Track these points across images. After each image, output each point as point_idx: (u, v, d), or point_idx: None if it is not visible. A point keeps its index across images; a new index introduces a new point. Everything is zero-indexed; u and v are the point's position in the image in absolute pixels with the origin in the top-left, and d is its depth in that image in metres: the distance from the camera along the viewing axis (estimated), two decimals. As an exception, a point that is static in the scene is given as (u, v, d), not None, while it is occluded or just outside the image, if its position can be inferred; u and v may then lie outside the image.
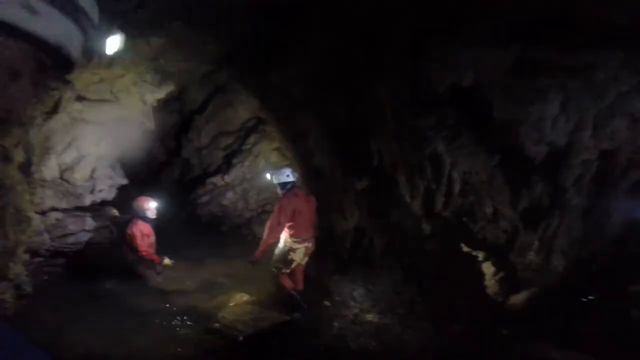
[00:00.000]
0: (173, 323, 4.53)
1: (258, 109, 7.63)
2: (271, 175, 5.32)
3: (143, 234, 5.54)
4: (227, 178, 7.68)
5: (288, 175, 4.82)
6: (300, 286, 4.95)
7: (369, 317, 4.67)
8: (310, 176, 6.39)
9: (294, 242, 4.72)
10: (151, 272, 5.62)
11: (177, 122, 8.98)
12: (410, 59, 4.22)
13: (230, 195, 7.68)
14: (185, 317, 4.64)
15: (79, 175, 5.68)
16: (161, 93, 6.31)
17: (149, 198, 5.83)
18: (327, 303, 5.00)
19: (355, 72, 4.91)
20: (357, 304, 4.97)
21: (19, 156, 4.02)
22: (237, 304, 4.97)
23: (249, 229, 7.51)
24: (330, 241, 6.00)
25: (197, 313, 4.73)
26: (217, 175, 7.86)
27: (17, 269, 4.08)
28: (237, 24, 5.13)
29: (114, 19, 3.98)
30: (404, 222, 5.28)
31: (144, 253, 5.47)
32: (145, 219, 5.71)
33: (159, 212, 5.96)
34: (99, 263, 5.75)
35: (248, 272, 5.54)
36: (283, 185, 4.82)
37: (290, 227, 4.66)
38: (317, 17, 4.61)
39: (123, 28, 4.09)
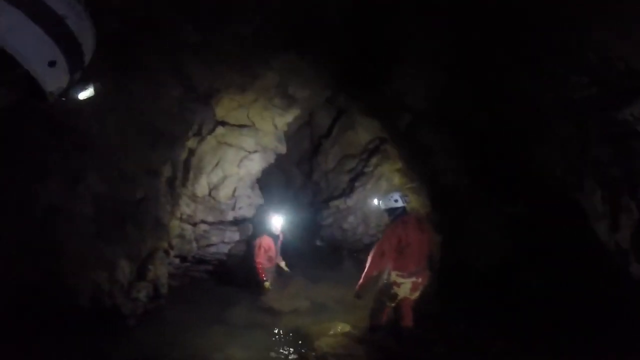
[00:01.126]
0: (273, 340, 4.56)
1: (378, 129, 7.39)
2: (379, 201, 4.86)
3: (263, 247, 5.74)
4: (349, 201, 7.59)
5: (397, 201, 4.25)
6: (408, 322, 4.28)
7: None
8: (439, 199, 5.74)
9: (397, 276, 4.11)
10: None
11: (309, 147, 9.36)
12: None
13: (351, 219, 7.55)
14: (285, 337, 4.62)
15: (223, 194, 6.22)
16: (289, 117, 6.60)
17: (276, 215, 6.06)
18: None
19: (491, 66, 3.94)
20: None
21: (166, 172, 4.50)
22: (336, 334, 4.64)
23: (367, 254, 7.16)
24: (462, 277, 5.19)
25: (297, 335, 4.64)
26: (340, 198, 7.83)
27: (158, 271, 4.48)
28: (343, 46, 4.98)
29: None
30: (587, 259, 3.83)
31: (258, 265, 5.67)
32: (271, 233, 5.93)
33: (284, 229, 6.13)
34: (233, 272, 6.16)
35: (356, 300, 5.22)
36: (391, 211, 4.29)
37: (394, 259, 4.09)
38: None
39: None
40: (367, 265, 4.21)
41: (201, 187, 6.02)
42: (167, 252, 5.21)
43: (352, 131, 7.96)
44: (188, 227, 5.81)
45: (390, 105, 5.64)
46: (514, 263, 4.85)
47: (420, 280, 4.13)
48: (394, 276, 4.12)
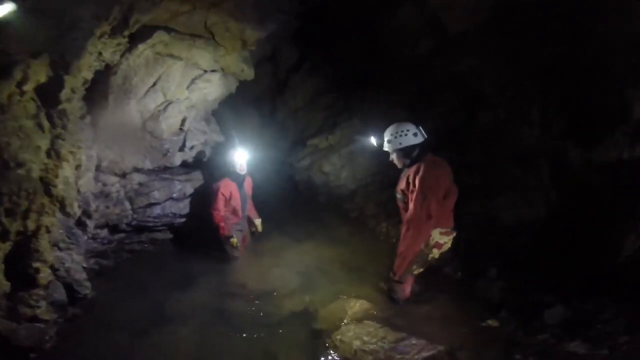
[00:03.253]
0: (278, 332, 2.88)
1: (362, 61, 5.62)
2: (381, 139, 3.05)
3: (222, 194, 3.95)
4: (332, 138, 5.78)
5: (416, 134, 2.78)
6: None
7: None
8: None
9: (441, 234, 2.86)
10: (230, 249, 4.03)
11: (271, 84, 7.27)
12: None
13: (334, 159, 5.76)
14: (287, 328, 3.00)
15: (166, 126, 4.10)
16: (263, 32, 4.47)
17: (239, 150, 4.15)
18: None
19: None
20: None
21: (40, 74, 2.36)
22: (356, 318, 3.04)
23: (354, 203, 5.55)
24: (489, 236, 3.88)
25: (300, 332, 3.02)
26: (319, 135, 5.99)
27: (64, 264, 2.50)
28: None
29: None
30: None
31: (215, 214, 3.89)
32: (232, 175, 4.03)
33: (251, 172, 4.29)
34: (190, 238, 4.27)
35: (357, 261, 3.96)
36: (409, 151, 2.80)
37: (438, 214, 2.75)
38: None
39: None
40: (411, 238, 2.78)
41: (128, 116, 3.83)
42: (81, 224, 3.15)
43: (330, 64, 6.04)
44: (112, 179, 3.71)
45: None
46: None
47: (456, 234, 3.00)
48: (436, 235, 2.85)
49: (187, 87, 4.36)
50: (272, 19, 4.28)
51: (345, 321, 2.98)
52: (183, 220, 4.35)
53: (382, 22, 4.41)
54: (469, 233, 4.13)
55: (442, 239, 2.89)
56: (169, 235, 4.31)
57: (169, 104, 4.27)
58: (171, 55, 3.89)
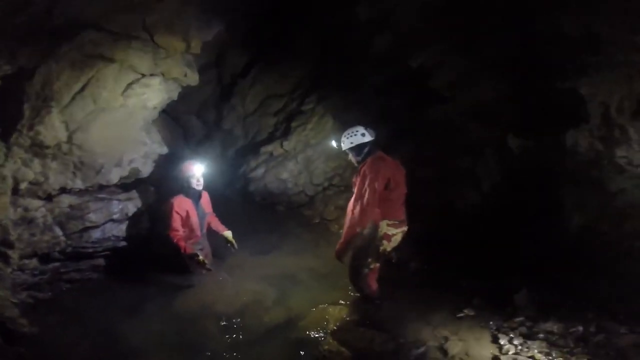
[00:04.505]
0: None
1: (316, 63, 5.48)
2: (338, 141, 3.44)
3: (177, 212, 3.50)
4: (287, 144, 5.49)
5: (364, 134, 3.13)
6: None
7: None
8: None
9: (389, 226, 3.04)
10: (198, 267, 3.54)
11: (215, 92, 6.81)
12: None
13: (290, 165, 5.48)
14: (271, 343, 2.70)
15: (96, 139, 3.55)
16: (209, 33, 4.10)
17: (195, 162, 3.72)
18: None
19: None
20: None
21: None
22: (339, 324, 2.92)
23: (314, 209, 5.34)
24: (447, 226, 3.89)
25: (286, 336, 2.81)
26: (273, 142, 5.67)
27: None
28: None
29: None
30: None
31: (173, 234, 3.43)
32: (188, 191, 3.59)
33: (206, 183, 3.87)
34: (137, 263, 3.72)
35: (326, 267, 3.75)
36: (360, 149, 3.14)
37: (384, 205, 3.00)
38: None
39: None
40: (353, 218, 3.01)
41: (50, 129, 3.22)
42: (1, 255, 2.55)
43: (281, 67, 5.80)
44: (36, 203, 3.09)
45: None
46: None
47: (407, 229, 3.19)
48: (384, 227, 3.03)
49: (122, 93, 3.81)
50: (220, 20, 3.93)
51: (329, 329, 2.83)
52: (129, 242, 3.76)
53: (338, 21, 4.27)
54: (429, 224, 4.14)
55: (390, 230, 3.04)
56: (115, 261, 3.70)
57: (101, 112, 3.70)
58: (102, 57, 3.36)
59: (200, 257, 3.42)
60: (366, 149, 3.13)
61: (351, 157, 3.24)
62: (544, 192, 4.07)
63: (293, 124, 5.56)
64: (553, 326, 2.67)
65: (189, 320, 2.97)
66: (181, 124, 6.75)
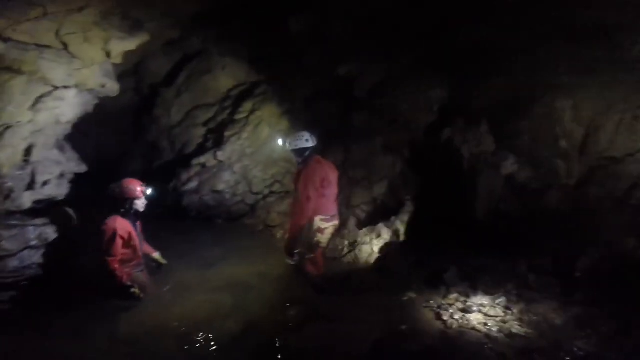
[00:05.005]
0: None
1: (247, 72, 5.47)
2: (285, 142, 4.06)
3: (122, 235, 3.16)
4: (222, 155, 5.30)
5: (307, 140, 3.56)
6: (321, 270, 3.66)
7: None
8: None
9: (322, 221, 3.46)
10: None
11: (135, 102, 6.34)
12: None
13: (227, 176, 5.31)
14: (239, 349, 2.63)
15: (4, 158, 3.12)
16: (133, 44, 3.85)
17: (139, 181, 3.43)
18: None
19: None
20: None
21: None
22: (300, 322, 2.97)
23: (256, 218, 5.27)
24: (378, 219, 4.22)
25: (251, 341, 2.77)
26: (205, 153, 5.43)
27: None
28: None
29: None
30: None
31: (110, 264, 3.06)
32: (129, 213, 3.32)
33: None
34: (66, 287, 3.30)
35: (277, 271, 3.84)
36: (301, 152, 3.56)
37: (318, 202, 3.41)
38: None
39: None
40: (297, 213, 3.43)
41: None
42: None
43: (210, 76, 5.59)
44: None
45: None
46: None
47: (338, 223, 3.66)
48: (317, 222, 3.45)
49: (31, 107, 3.36)
50: (145, 28, 3.70)
51: (292, 328, 2.87)
52: (53, 269, 3.30)
53: (270, 31, 4.31)
54: (364, 219, 4.44)
55: (322, 224, 3.46)
56: (41, 289, 3.20)
57: (6, 128, 3.22)
58: (9, 69, 2.93)
59: (136, 291, 3.14)
60: (307, 153, 3.52)
61: (295, 158, 3.69)
62: (456, 181, 4.67)
63: (227, 134, 5.41)
64: (482, 299, 3.11)
65: (144, 340, 2.73)
66: (92, 138, 6.13)
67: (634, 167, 4.27)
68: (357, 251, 4.17)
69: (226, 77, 5.60)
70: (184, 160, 5.76)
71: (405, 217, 4.18)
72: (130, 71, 5.48)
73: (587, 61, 3.90)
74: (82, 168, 4.33)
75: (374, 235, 4.10)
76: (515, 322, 2.78)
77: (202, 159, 5.39)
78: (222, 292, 3.44)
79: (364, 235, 4.20)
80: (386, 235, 4.16)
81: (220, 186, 5.29)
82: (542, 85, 4.31)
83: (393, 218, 4.17)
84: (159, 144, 6.18)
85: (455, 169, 4.46)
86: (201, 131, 5.89)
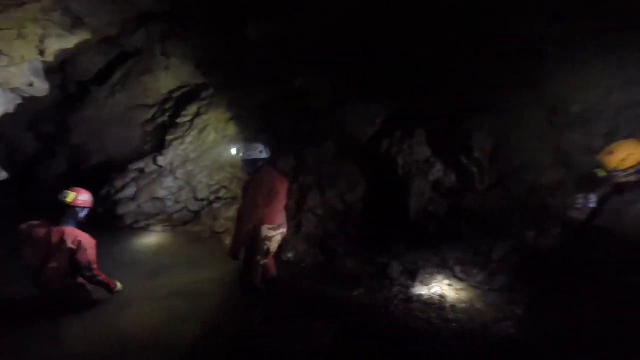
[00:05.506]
0: None
1: (192, 74, 5.31)
2: (239, 151, 3.89)
3: (89, 245, 3.12)
4: (163, 160, 5.04)
5: (261, 152, 3.61)
6: (274, 271, 3.71)
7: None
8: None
9: (269, 229, 3.48)
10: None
11: (58, 101, 5.73)
12: None
13: (168, 182, 5.08)
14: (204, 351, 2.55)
15: None
16: (71, 42, 3.57)
17: (83, 190, 3.22)
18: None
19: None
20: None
21: None
22: (263, 321, 3.08)
23: (202, 224, 5.14)
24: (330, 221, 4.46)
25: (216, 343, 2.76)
26: (144, 158, 5.12)
27: None
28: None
29: None
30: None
31: (95, 270, 3.14)
32: (77, 220, 3.18)
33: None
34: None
35: (228, 276, 3.83)
36: (253, 163, 3.58)
37: (266, 211, 3.43)
38: None
39: None
40: (239, 220, 3.40)
41: None
42: None
43: (151, 76, 5.29)
44: None
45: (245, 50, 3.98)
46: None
47: (285, 231, 3.66)
48: (265, 230, 3.43)
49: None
50: (86, 25, 3.42)
51: (252, 330, 2.94)
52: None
53: (223, 35, 4.23)
54: (317, 222, 4.65)
55: (270, 233, 3.44)
56: None
57: None
58: None
59: (120, 285, 3.34)
60: (259, 164, 3.55)
61: (246, 168, 3.63)
62: (394, 186, 5.13)
63: (168, 137, 5.19)
64: (421, 290, 3.51)
65: (104, 353, 2.56)
66: (5, 140, 5.42)
67: (532, 174, 5.14)
68: (310, 251, 4.35)
69: (168, 78, 5.38)
70: (117, 165, 5.37)
71: (353, 218, 4.49)
72: (55, 68, 4.94)
73: (502, 83, 4.66)
74: (2, 175, 3.86)
75: (325, 237, 4.33)
76: (450, 309, 3.22)
77: (140, 164, 5.09)
78: (175, 299, 3.42)
79: (316, 237, 4.40)
80: (339, 235, 4.41)
81: (161, 193, 5.06)
82: (465, 102, 4.97)
83: (342, 220, 4.44)
84: (86, 147, 5.67)
85: (393, 175, 4.90)
86: (138, 133, 5.56)
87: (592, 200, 2.92)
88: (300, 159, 4.80)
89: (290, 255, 4.37)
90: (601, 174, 2.86)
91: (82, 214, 3.19)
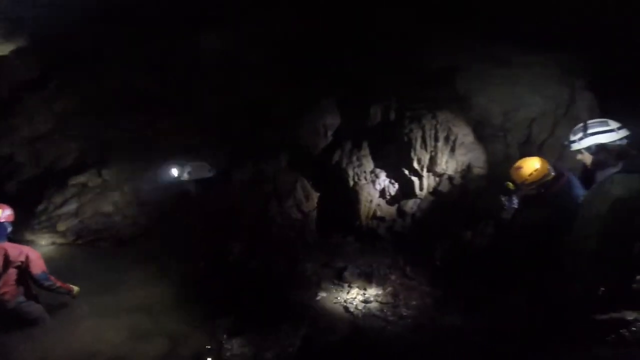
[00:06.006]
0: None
1: (144, 80, 5.11)
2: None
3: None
4: (108, 173, 4.71)
5: (210, 171, 3.60)
6: None
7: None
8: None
9: None
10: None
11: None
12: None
13: (116, 197, 4.74)
14: None
15: None
16: (6, 50, 3.32)
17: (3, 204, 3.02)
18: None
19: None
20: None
21: None
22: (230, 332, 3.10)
23: (152, 242, 4.88)
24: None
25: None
26: (88, 171, 4.73)
27: None
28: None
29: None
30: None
31: (52, 279, 2.97)
32: (7, 236, 2.94)
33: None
34: None
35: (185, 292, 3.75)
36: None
37: None
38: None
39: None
40: None
41: None
42: None
43: (95, 81, 4.95)
44: None
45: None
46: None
47: None
48: None
49: None
50: (25, 29, 3.15)
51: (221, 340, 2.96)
52: None
53: (175, 41, 4.10)
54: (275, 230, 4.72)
55: None
56: None
57: None
58: None
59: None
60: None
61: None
62: (345, 194, 5.38)
63: (115, 148, 4.87)
64: (377, 290, 3.78)
65: None
66: None
67: (461, 181, 5.76)
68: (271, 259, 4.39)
69: (115, 84, 5.04)
70: (55, 179, 4.90)
71: (310, 226, 4.64)
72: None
73: (432, 99, 5.21)
74: None
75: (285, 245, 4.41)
76: (403, 307, 3.51)
77: (81, 178, 4.69)
78: (135, 314, 3.27)
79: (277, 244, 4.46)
80: (297, 242, 4.53)
81: (107, 208, 4.72)
82: (404, 117, 5.44)
83: (300, 228, 4.57)
84: (16, 158, 5.09)
85: (344, 185, 5.17)
86: (76, 144, 5.13)
87: (515, 202, 3.32)
88: (258, 169, 4.84)
89: (253, 263, 4.38)
90: (510, 186, 3.11)
91: (10, 229, 2.94)
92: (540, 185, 2.92)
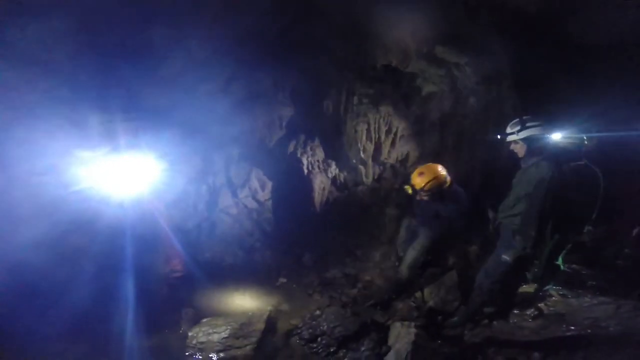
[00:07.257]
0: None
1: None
2: None
3: None
4: None
5: None
6: None
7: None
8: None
9: None
10: None
11: None
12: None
13: None
14: None
15: None
16: None
17: None
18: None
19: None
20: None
21: None
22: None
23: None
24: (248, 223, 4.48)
25: None
26: None
27: None
28: None
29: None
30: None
31: None
32: None
33: None
34: None
35: None
36: None
37: None
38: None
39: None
40: None
41: None
42: None
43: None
44: None
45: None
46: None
47: None
48: None
49: None
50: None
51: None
52: None
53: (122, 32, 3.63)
54: (230, 221, 4.61)
55: None
56: None
57: None
58: None
59: None
60: None
61: None
62: (299, 183, 5.40)
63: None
64: (335, 275, 3.93)
65: None
66: None
67: (401, 169, 6.15)
68: (227, 250, 4.30)
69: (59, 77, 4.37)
70: None
71: (267, 215, 4.62)
72: None
73: (377, 95, 5.43)
74: None
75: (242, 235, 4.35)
76: (360, 287, 3.71)
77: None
78: None
79: (232, 235, 4.36)
80: (254, 232, 4.48)
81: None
82: (352, 111, 5.60)
83: (257, 217, 4.53)
84: None
85: (299, 174, 5.20)
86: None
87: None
88: (208, 161, 4.66)
89: (207, 255, 4.25)
90: (409, 190, 3.26)
91: None
92: (435, 194, 3.09)
